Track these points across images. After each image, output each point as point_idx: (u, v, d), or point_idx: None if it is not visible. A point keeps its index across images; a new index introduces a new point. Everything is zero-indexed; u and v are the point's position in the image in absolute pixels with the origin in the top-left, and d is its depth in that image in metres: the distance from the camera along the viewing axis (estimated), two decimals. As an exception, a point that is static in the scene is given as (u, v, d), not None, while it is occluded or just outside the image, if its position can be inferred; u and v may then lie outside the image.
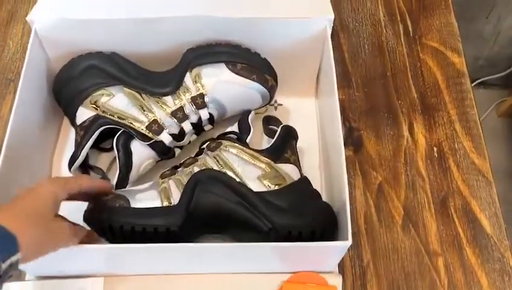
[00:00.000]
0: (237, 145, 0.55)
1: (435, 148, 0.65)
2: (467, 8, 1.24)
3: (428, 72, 0.71)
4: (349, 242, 0.46)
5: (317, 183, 0.61)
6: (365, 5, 0.76)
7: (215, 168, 0.53)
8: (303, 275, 0.56)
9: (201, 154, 0.57)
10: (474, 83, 1.42)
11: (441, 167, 0.64)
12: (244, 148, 0.55)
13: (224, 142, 0.56)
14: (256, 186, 0.52)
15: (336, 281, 0.57)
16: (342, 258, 0.58)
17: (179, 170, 0.56)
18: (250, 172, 0.53)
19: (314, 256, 0.52)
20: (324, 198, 0.58)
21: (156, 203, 0.52)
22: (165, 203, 0.52)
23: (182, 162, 0.58)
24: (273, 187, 0.53)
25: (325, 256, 0.51)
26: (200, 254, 0.50)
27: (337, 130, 0.53)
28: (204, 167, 0.54)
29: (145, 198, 0.53)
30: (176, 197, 0.52)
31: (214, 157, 0.55)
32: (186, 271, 0.56)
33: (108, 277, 0.56)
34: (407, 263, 0.58)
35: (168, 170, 0.57)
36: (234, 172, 0.53)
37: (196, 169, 0.54)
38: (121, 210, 0.51)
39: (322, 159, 0.63)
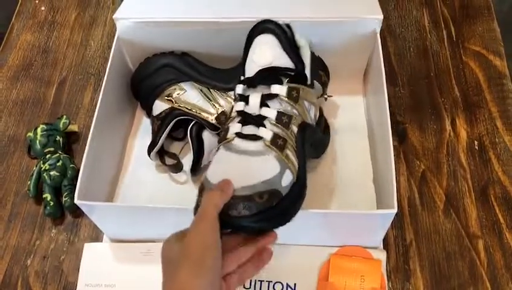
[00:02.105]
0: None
1: (476, 142, 0.69)
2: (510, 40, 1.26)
3: (470, 73, 0.75)
4: (394, 210, 0.51)
5: (367, 167, 0.67)
6: (411, 12, 0.82)
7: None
8: (349, 249, 0.61)
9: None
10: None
11: (481, 158, 0.68)
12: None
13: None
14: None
15: (381, 255, 0.61)
16: (386, 237, 0.63)
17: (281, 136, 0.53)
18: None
19: (362, 225, 0.56)
20: (372, 181, 0.64)
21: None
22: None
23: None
24: None
25: (372, 225, 0.56)
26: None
27: (385, 119, 0.58)
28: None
29: None
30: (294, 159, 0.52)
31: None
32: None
33: (174, 243, 0.63)
34: (448, 243, 0.62)
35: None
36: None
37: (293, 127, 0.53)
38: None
39: (371, 146, 0.69)
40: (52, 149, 0.69)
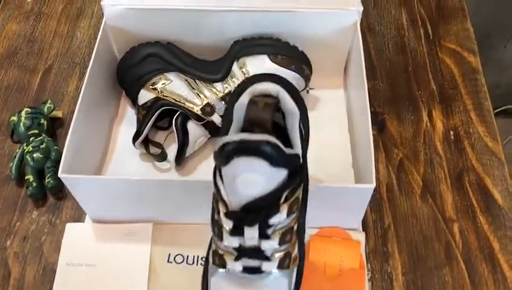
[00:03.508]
0: None
1: (452, 132, 0.72)
2: (486, 36, 1.32)
3: (446, 68, 0.78)
4: (373, 185, 0.53)
5: (347, 158, 0.69)
6: (390, 11, 0.85)
7: None
8: (329, 230, 0.63)
9: None
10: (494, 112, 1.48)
11: (456, 147, 0.71)
12: None
13: None
14: None
15: (360, 237, 0.63)
16: (365, 220, 0.64)
17: None
18: None
19: (341, 202, 0.58)
20: (353, 174, 0.66)
21: None
22: None
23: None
24: None
25: (351, 201, 0.57)
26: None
27: (365, 107, 0.60)
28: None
29: None
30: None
31: None
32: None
33: (157, 224, 0.64)
34: (424, 227, 0.64)
35: None
36: None
37: None
38: None
39: (351, 138, 0.71)
40: (36, 132, 0.69)
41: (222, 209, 0.42)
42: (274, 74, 0.48)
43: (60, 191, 0.67)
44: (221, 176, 0.41)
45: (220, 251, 0.45)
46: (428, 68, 0.79)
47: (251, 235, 0.42)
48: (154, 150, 0.68)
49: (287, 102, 0.47)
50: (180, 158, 0.66)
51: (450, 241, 0.63)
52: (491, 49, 1.38)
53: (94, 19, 0.86)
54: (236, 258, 0.44)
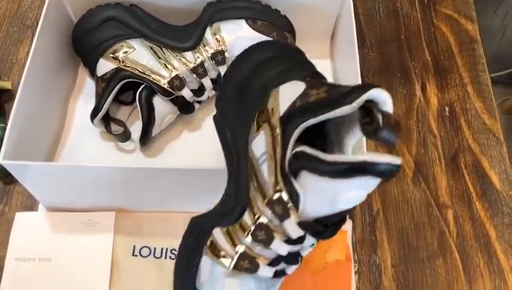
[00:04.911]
0: None
1: (447, 108, 0.66)
2: (476, 1, 1.25)
3: (441, 37, 0.72)
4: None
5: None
6: (381, -28, 0.77)
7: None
8: (313, 218, 0.57)
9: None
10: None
11: (452, 125, 0.65)
12: None
13: None
14: None
15: (346, 225, 0.57)
16: (352, 206, 0.59)
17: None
18: None
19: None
20: None
21: None
22: None
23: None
24: None
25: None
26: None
27: (356, 82, 0.54)
28: None
29: None
30: None
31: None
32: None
33: (120, 213, 0.57)
34: (416, 213, 0.59)
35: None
36: None
37: None
38: None
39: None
40: (-22, 106, 0.60)
41: (293, 218, 0.36)
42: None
43: (8, 175, 0.59)
44: (292, 181, 0.36)
45: (252, 254, 0.39)
46: (422, 36, 0.71)
47: (307, 245, 0.39)
48: (115, 128, 0.60)
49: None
50: (145, 138, 0.59)
51: (444, 230, 0.58)
52: (480, 14, 1.31)
53: (48, -25, 0.75)
54: (272, 264, 0.39)
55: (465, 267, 0.56)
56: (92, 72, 0.62)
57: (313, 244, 0.40)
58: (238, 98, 0.42)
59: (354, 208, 0.37)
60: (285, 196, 0.36)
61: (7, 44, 0.69)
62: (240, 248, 0.39)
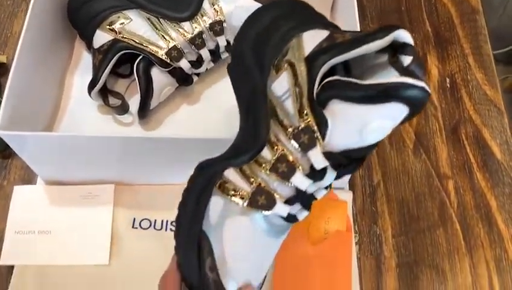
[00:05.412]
0: None
1: (448, 79, 0.65)
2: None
3: (442, 8, 0.71)
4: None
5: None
6: None
7: None
8: (314, 189, 0.56)
9: None
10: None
11: (453, 96, 0.64)
12: None
13: None
14: None
15: (347, 197, 0.57)
16: (352, 177, 0.58)
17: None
18: None
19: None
20: None
21: None
22: None
23: None
24: None
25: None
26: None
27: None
28: None
29: None
30: None
31: None
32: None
33: (120, 185, 0.56)
34: (417, 184, 0.59)
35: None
36: None
37: None
38: None
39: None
40: (-26, 80, 0.59)
41: (318, 147, 0.35)
42: None
43: (7, 148, 0.58)
44: (319, 108, 0.35)
45: (270, 190, 0.37)
46: (423, 7, 0.70)
47: (327, 182, 0.37)
48: (114, 101, 0.60)
49: None
50: (144, 110, 0.58)
51: (445, 200, 0.58)
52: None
53: None
54: (288, 202, 0.37)
55: (465, 237, 0.56)
56: (89, 45, 0.61)
57: (327, 188, 0.39)
58: (256, 49, 0.41)
59: (376, 146, 0.36)
60: (312, 124, 0.35)
61: (1, 17, 0.68)
62: (257, 182, 0.37)
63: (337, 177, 0.37)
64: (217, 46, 0.59)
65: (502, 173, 0.59)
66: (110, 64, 0.57)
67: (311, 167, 0.36)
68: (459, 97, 0.64)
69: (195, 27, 0.57)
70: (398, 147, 0.61)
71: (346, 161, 0.36)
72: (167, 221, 0.55)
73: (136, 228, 0.55)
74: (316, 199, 0.39)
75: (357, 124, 0.34)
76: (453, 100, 0.64)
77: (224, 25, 0.58)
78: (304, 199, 0.38)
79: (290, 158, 0.36)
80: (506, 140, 0.61)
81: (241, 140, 0.40)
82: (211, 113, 0.61)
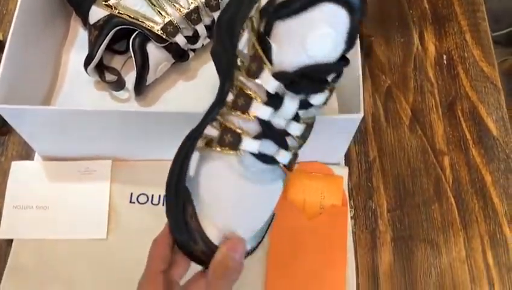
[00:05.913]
0: None
1: (445, 56, 0.65)
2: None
3: (440, -16, 0.70)
4: (361, 115, 0.47)
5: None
6: None
7: None
8: (309, 165, 0.57)
9: None
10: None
11: (449, 73, 0.64)
12: None
13: None
14: None
15: (342, 172, 0.57)
16: (348, 153, 0.59)
17: None
18: None
19: (322, 134, 0.51)
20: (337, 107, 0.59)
21: None
22: None
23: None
24: None
25: (334, 132, 0.51)
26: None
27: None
28: None
29: None
30: None
31: None
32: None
33: (117, 161, 0.57)
34: (413, 160, 0.59)
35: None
36: None
37: None
38: None
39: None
40: (-30, 56, 0.59)
41: (266, 70, 0.36)
42: None
43: (4, 125, 0.59)
44: (268, 27, 0.36)
45: (235, 128, 0.37)
46: (420, -16, 0.70)
47: (289, 109, 0.37)
48: (110, 77, 0.60)
49: None
50: (140, 86, 0.58)
51: (440, 176, 0.58)
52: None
53: None
54: (257, 137, 0.37)
55: (460, 211, 0.56)
56: (85, 22, 0.61)
57: (298, 120, 0.38)
58: (231, 22, 0.42)
59: (338, 64, 0.36)
60: (259, 52, 0.36)
61: (-3, -6, 0.68)
62: (223, 125, 0.38)
63: (304, 104, 0.37)
64: (213, 21, 0.59)
65: (497, 149, 0.59)
66: (106, 40, 0.57)
67: (267, 94, 0.36)
68: (455, 74, 0.64)
69: (191, 2, 0.57)
70: (394, 123, 0.61)
71: (301, 80, 0.36)
72: (164, 196, 0.55)
73: (134, 202, 0.55)
74: (289, 134, 0.38)
75: (297, 38, 0.35)
76: (450, 77, 0.64)
77: (220, 0, 0.58)
78: (274, 134, 0.38)
79: (247, 91, 0.37)
80: (502, 116, 0.61)
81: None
82: (207, 89, 0.61)
